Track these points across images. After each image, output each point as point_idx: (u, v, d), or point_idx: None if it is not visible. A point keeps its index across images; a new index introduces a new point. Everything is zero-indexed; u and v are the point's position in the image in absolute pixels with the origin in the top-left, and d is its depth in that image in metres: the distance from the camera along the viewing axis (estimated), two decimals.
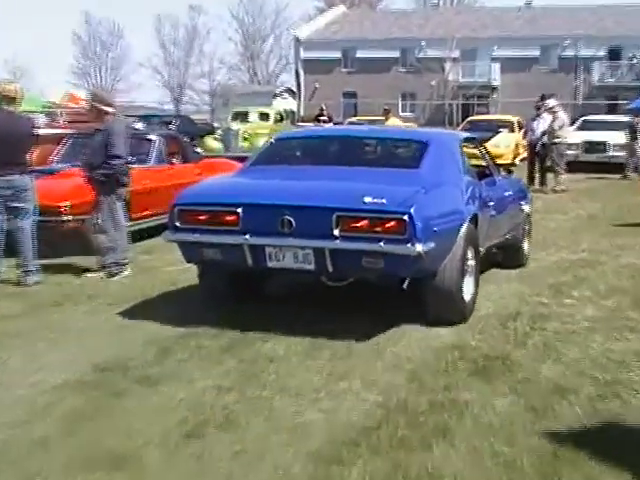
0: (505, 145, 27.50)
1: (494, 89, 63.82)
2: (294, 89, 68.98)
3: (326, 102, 40.50)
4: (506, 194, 9.51)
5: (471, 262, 7.80)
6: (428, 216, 6.75)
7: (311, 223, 6.76)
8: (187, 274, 9.25)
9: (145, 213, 12.31)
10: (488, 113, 54.82)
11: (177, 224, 7.32)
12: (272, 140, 8.87)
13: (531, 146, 22.29)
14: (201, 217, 7.16)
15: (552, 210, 17.01)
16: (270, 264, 7.06)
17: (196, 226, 7.17)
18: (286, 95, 65.51)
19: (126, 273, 9.92)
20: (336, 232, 6.70)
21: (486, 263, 9.48)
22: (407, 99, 66.15)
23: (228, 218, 7.03)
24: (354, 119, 41.08)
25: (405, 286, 7.07)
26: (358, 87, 65.83)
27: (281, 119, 37.88)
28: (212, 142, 30.98)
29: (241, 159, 12.14)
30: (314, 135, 9.64)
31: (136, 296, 8.71)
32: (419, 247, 6.56)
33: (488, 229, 8.51)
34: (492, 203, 8.65)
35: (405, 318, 7.60)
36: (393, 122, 25.93)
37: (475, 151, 9.77)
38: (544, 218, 15.34)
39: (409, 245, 6.55)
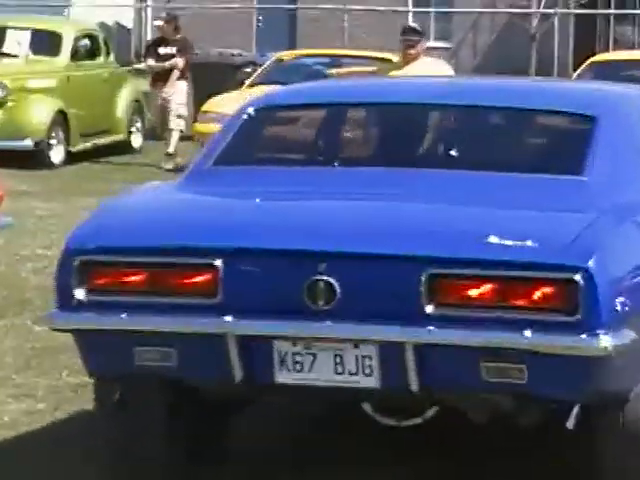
0: None
1: None
2: None
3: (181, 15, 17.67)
4: None
5: None
6: (621, 276, 4.04)
7: (374, 291, 4.00)
8: None
9: None
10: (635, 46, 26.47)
11: (77, 294, 4.05)
12: (248, 111, 4.93)
13: None
14: (133, 278, 4.06)
15: None
16: (282, 378, 4.06)
17: (122, 297, 4.06)
18: None
19: None
20: (429, 309, 3.96)
21: None
22: (430, 4, 29.14)
23: (193, 280, 4.05)
24: (286, 54, 18.30)
25: (572, 424, 4.07)
26: None
27: (92, 52, 16.91)
28: None
29: None
30: (340, 98, 5.24)
31: None
32: (605, 340, 3.87)
33: None
34: None
35: None
36: (426, 69, 10.22)
37: None
38: None
39: (585, 336, 3.87)
